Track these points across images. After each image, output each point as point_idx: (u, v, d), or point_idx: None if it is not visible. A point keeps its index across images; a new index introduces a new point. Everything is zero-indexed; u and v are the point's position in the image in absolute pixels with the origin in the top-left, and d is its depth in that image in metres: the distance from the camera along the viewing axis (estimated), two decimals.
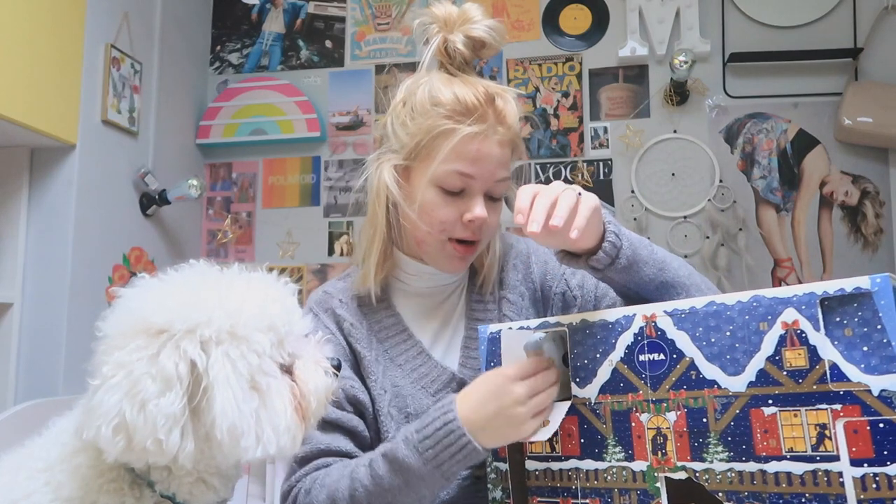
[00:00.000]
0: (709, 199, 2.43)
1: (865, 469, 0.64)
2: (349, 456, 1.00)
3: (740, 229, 2.39)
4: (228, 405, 0.69)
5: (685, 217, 2.46)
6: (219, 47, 2.88)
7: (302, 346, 0.81)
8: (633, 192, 2.49)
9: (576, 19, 2.61)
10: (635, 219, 2.46)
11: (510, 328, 0.92)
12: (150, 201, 2.40)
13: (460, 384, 1.04)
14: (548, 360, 0.90)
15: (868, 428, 0.64)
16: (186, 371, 0.69)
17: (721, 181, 2.44)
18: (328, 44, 2.79)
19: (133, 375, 0.68)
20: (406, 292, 1.12)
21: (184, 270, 0.78)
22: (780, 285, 2.37)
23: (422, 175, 1.02)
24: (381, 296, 1.10)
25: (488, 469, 0.94)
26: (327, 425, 1.00)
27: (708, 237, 2.42)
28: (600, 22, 2.60)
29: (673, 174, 2.48)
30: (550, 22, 2.63)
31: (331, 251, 2.67)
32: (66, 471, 0.75)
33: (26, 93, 1.90)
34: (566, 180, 2.54)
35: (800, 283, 2.36)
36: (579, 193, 0.84)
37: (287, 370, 0.78)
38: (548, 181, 2.53)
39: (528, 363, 0.87)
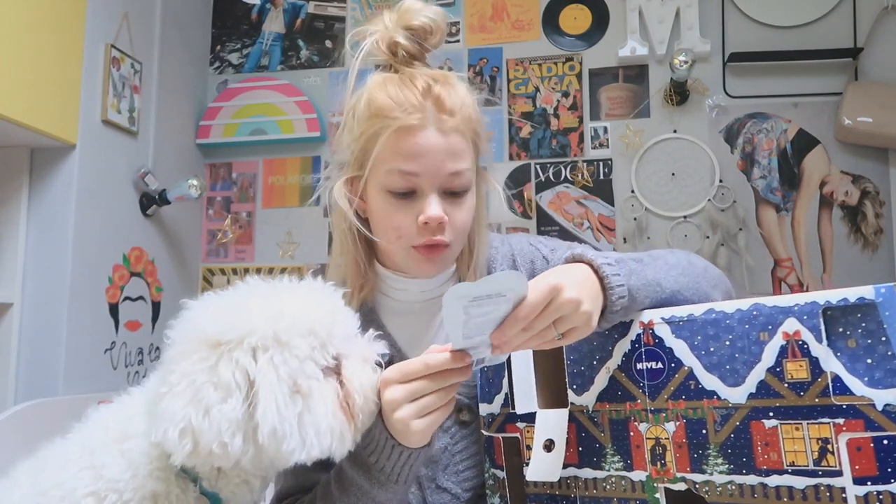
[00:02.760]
0: (709, 199, 2.43)
1: (869, 487, 0.62)
2: None
3: (740, 229, 2.39)
4: (270, 409, 0.71)
5: (685, 217, 2.45)
6: (219, 47, 2.87)
7: (350, 345, 0.80)
8: (633, 192, 2.49)
9: (576, 19, 2.60)
10: (635, 219, 2.46)
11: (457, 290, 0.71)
12: (150, 201, 2.40)
13: (457, 408, 1.00)
14: (452, 356, 0.76)
15: (872, 445, 0.63)
16: (243, 379, 0.72)
17: (721, 181, 2.43)
18: (328, 44, 2.78)
19: (196, 384, 0.71)
20: (396, 310, 1.06)
21: (238, 286, 0.82)
22: (779, 285, 2.37)
23: (370, 183, 0.96)
24: (370, 316, 1.04)
25: (486, 476, 0.93)
26: (315, 463, 0.83)
27: (708, 237, 2.41)
28: (600, 22, 2.59)
29: (673, 174, 2.47)
30: (550, 22, 2.62)
31: (331, 251, 2.66)
32: (112, 454, 0.76)
33: (26, 93, 1.90)
34: (566, 180, 2.54)
35: (800, 282, 2.36)
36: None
37: (334, 372, 0.78)
38: (548, 181, 2.54)
39: (412, 365, 0.77)
